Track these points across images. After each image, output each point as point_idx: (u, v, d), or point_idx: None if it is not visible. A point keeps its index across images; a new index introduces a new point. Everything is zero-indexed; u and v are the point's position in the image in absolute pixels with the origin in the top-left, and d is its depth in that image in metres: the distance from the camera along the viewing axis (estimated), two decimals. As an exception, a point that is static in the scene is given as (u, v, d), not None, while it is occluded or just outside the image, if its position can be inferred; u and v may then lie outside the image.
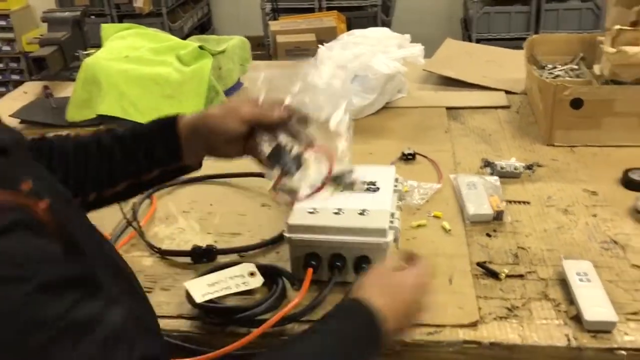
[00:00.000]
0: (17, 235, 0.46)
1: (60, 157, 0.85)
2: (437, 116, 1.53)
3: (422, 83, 1.74)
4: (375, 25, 3.99)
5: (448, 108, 1.57)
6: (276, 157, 0.83)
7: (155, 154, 0.85)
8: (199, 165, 0.90)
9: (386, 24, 4.12)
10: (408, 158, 1.32)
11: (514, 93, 1.62)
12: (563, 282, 0.92)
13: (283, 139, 0.84)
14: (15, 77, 4.92)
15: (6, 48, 4.93)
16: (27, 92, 1.82)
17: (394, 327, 0.72)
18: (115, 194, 0.87)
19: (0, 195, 0.46)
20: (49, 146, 0.86)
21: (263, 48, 4.15)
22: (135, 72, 1.51)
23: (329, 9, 4.00)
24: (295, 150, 0.83)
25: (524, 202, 1.14)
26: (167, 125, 0.86)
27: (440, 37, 2.03)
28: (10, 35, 4.90)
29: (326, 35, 2.94)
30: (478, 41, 3.91)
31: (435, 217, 1.11)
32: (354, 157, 0.86)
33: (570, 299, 0.88)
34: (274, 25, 3.46)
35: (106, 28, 1.75)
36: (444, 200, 1.16)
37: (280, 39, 3.21)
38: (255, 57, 1.85)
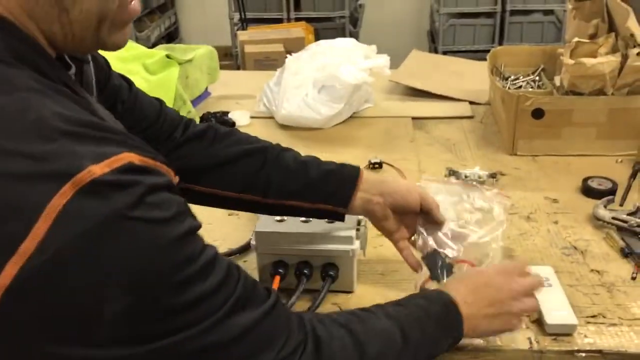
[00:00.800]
0: (173, 191, 0.55)
1: (240, 153, 0.91)
2: (403, 126, 1.56)
3: (388, 93, 1.77)
4: (343, 36, 4.02)
5: (414, 118, 1.59)
6: (430, 260, 0.90)
7: (328, 191, 0.89)
8: (343, 217, 0.92)
9: (354, 35, 4.16)
10: (375, 167, 1.34)
11: (478, 104, 1.66)
12: (525, 287, 0.94)
13: (434, 242, 0.90)
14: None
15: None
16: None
17: (477, 322, 0.77)
18: (263, 205, 0.90)
19: (158, 161, 0.55)
20: (225, 133, 0.94)
21: (231, 58, 4.15)
22: (101, 80, 1.49)
23: (298, 19, 4.02)
24: (447, 258, 0.89)
25: (487, 210, 1.16)
26: (353, 173, 0.91)
27: (407, 49, 2.06)
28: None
29: (294, 46, 2.95)
30: (444, 53, 3.98)
31: (402, 224, 1.12)
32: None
33: (533, 304, 0.90)
34: (242, 35, 3.46)
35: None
36: (410, 208, 1.17)
37: (248, 49, 3.21)
38: (223, 67, 1.85)
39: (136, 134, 0.59)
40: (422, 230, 0.92)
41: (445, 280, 0.87)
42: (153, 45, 4.40)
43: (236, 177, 0.90)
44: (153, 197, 0.52)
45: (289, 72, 1.57)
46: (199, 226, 0.57)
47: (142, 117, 0.91)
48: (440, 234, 0.91)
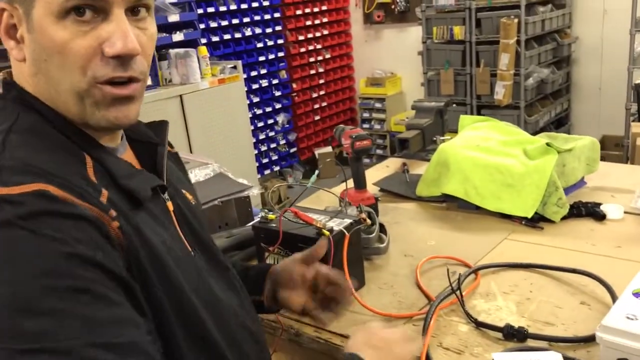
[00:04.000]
0: (79, 224, 0.64)
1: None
2: None
3: None
4: None
5: None
6: None
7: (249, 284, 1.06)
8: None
9: None
10: None
11: None
12: None
13: None
14: (379, 151, 5.65)
15: (377, 126, 5.72)
16: (389, 166, 2.15)
17: None
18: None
19: (87, 202, 0.67)
20: None
21: (621, 149, 3.95)
22: (482, 160, 1.66)
23: None
24: None
25: None
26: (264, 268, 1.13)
27: None
28: (382, 116, 5.68)
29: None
30: None
31: None
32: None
33: None
34: (637, 127, 3.29)
35: (464, 119, 1.96)
36: None
37: (640, 142, 3.04)
38: (611, 157, 1.84)
39: None
40: None
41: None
42: (540, 130, 4.50)
43: None
44: (48, 218, 0.62)
45: (676, 171, 1.49)
46: (95, 260, 0.63)
47: None
48: None
